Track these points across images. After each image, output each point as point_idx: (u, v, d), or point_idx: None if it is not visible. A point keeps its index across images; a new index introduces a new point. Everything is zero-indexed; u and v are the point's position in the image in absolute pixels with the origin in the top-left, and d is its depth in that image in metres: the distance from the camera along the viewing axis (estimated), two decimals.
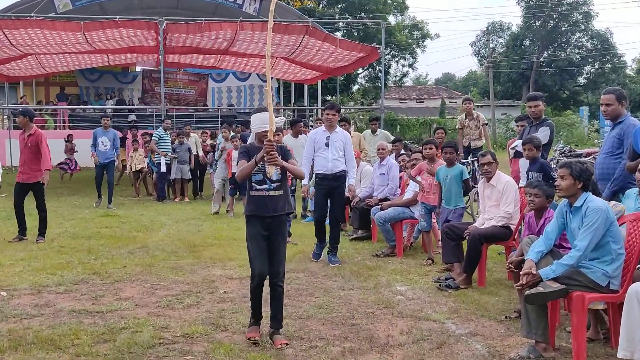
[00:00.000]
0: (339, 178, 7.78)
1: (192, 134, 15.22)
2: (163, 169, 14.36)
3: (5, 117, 24.70)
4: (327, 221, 7.92)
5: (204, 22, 17.52)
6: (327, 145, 7.72)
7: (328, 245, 7.80)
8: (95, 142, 13.14)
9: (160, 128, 14.80)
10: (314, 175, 8.34)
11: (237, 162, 4.93)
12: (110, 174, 13.25)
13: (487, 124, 12.33)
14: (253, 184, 4.83)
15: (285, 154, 4.93)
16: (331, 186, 7.77)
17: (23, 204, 9.09)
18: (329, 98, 36.63)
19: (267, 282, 4.88)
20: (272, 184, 4.82)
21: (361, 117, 32.93)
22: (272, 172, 4.76)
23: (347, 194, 8.08)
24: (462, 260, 6.75)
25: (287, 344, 4.66)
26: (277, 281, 4.84)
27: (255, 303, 4.89)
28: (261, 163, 4.72)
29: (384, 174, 9.14)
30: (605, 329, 4.94)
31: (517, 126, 9.16)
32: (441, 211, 7.51)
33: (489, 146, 11.95)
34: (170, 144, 14.52)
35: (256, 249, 4.82)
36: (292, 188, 9.58)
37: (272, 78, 27.01)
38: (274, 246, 4.86)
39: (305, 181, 7.87)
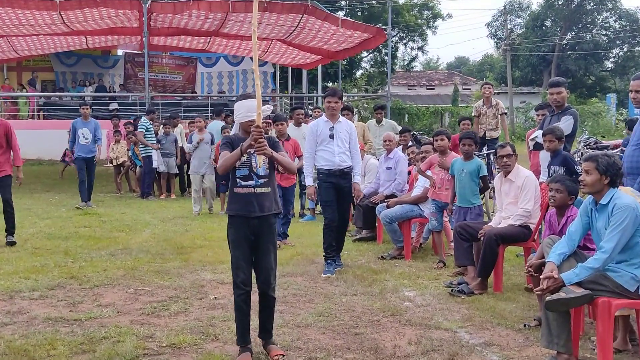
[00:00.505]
0: (347, 175, 7.52)
1: (178, 124, 15.23)
2: (155, 164, 14.34)
3: None
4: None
5: (192, 0, 17.48)
6: (331, 137, 7.45)
7: (327, 250, 7.54)
8: (74, 135, 12.82)
9: (145, 117, 14.71)
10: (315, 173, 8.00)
11: (220, 154, 4.72)
12: (91, 170, 12.97)
13: (506, 113, 12.32)
14: (237, 180, 4.62)
15: (274, 145, 4.70)
16: (338, 184, 7.48)
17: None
18: (330, 84, 36.62)
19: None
20: (259, 180, 4.62)
21: (365, 105, 32.95)
22: (261, 162, 4.57)
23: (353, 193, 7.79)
24: (476, 263, 6.75)
25: (283, 355, 4.59)
26: (269, 291, 4.70)
27: (242, 321, 4.68)
28: (247, 154, 4.55)
29: (390, 168, 9.14)
30: (636, 339, 4.96)
31: (537, 115, 9.14)
32: (454, 209, 7.50)
33: (506, 137, 11.96)
34: (154, 135, 14.49)
35: (240, 255, 4.64)
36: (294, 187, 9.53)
37: (267, 63, 27.13)
38: (262, 252, 4.68)
39: (309, 181, 7.66)
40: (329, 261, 7.41)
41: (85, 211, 11.77)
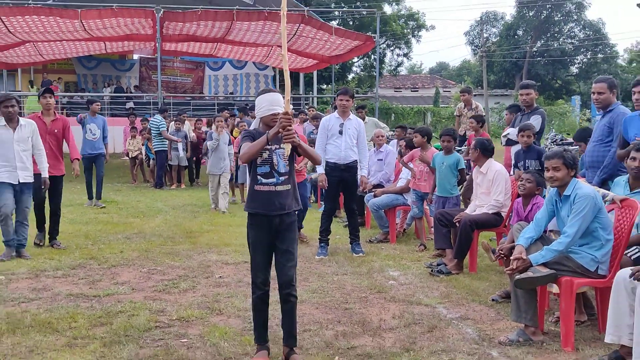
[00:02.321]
0: (352, 168, 7.35)
1: (185, 121, 15.20)
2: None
3: None
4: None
5: (200, 10, 17.44)
6: (340, 132, 7.29)
7: (350, 235, 7.51)
8: (84, 128, 11.44)
9: (159, 115, 14.70)
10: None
11: (240, 147, 4.11)
12: (99, 168, 11.54)
13: (485, 115, 12.28)
14: (258, 177, 4.06)
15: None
16: (343, 177, 7.33)
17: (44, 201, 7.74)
18: (324, 87, 36.52)
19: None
20: (280, 177, 4.06)
21: (356, 105, 32.82)
22: (288, 151, 4.01)
23: (359, 187, 7.64)
24: (453, 246, 6.76)
25: None
26: (291, 291, 4.13)
27: (260, 320, 4.19)
28: (269, 151, 4.03)
29: (381, 160, 9.17)
30: (594, 313, 4.97)
31: (506, 114, 9.17)
32: (434, 199, 7.52)
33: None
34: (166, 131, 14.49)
35: (259, 256, 4.12)
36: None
37: (267, 67, 27.01)
38: (283, 252, 4.11)
39: (320, 169, 7.31)
40: (322, 244, 7.41)
41: (103, 199, 11.69)
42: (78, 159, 8.40)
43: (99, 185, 11.51)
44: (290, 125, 3.85)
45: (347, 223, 9.25)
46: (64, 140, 8.03)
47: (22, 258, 7.00)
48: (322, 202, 11.20)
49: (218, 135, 10.88)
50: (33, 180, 7.10)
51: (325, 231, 7.44)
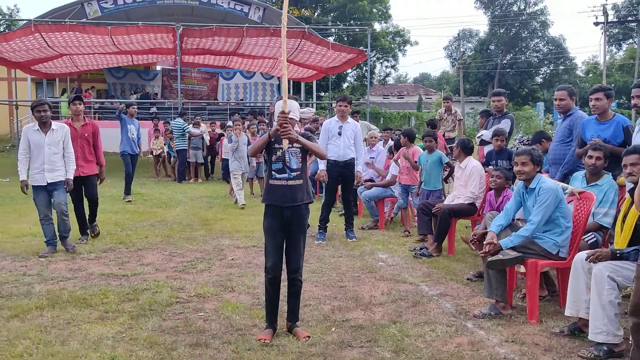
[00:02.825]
0: (349, 165, 7.35)
1: (201, 124, 15.18)
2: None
3: None
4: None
5: (215, 27, 17.37)
6: (339, 134, 7.30)
7: (345, 223, 7.54)
8: (125, 129, 10.98)
9: (180, 119, 14.71)
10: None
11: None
12: (134, 166, 11.19)
13: (462, 119, 12.24)
14: (273, 173, 4.02)
15: (309, 138, 4.14)
16: (342, 173, 7.36)
17: (82, 200, 7.34)
18: (322, 94, 36.43)
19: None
20: (292, 173, 3.99)
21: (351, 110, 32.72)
22: (286, 145, 3.92)
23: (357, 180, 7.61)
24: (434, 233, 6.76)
25: (309, 337, 4.00)
26: (297, 276, 4.11)
27: (271, 303, 4.09)
28: (281, 149, 3.98)
29: (373, 158, 9.17)
30: (556, 291, 4.99)
31: (479, 118, 9.17)
32: (420, 192, 7.51)
33: (462, 136, 11.90)
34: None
35: (271, 242, 4.02)
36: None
37: (272, 77, 26.93)
38: (292, 240, 4.05)
39: (322, 166, 7.36)
40: (321, 231, 7.40)
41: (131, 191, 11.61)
42: (103, 165, 7.44)
43: (128, 180, 11.12)
44: (286, 124, 3.82)
45: (342, 212, 9.27)
46: (94, 145, 7.32)
47: (67, 248, 6.60)
48: (321, 195, 11.18)
49: (237, 137, 10.42)
50: (63, 179, 6.54)
51: (324, 220, 7.44)
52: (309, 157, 4.50)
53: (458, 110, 11.95)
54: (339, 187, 7.79)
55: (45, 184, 6.39)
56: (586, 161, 4.87)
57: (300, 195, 4.03)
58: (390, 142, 9.59)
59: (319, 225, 7.45)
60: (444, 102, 11.95)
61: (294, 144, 3.98)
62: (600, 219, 4.71)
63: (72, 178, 6.62)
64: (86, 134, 7.24)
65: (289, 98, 4.10)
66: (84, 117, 7.29)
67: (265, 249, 4.07)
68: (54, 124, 6.51)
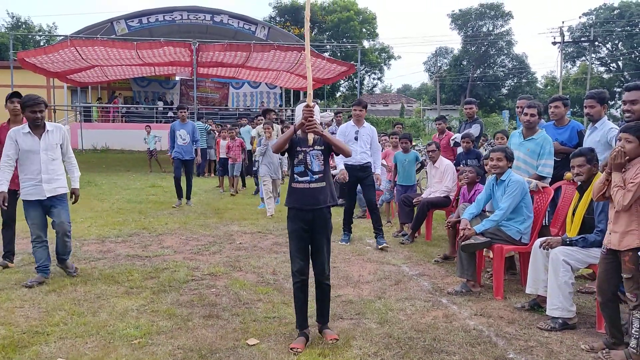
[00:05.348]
0: (366, 169, 6.39)
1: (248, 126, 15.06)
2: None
3: (78, 112, 24.43)
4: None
5: (226, 43, 17.38)
6: (356, 139, 6.35)
7: (374, 230, 6.38)
8: (173, 136, 9.16)
9: (200, 122, 14.68)
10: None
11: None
12: (189, 171, 9.28)
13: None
14: (295, 176, 3.46)
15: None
16: (358, 176, 6.38)
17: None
18: (319, 102, 36.30)
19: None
20: (314, 176, 3.43)
21: (341, 115, 32.63)
22: (311, 139, 3.41)
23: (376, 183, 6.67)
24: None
25: (337, 339, 3.46)
26: (323, 279, 3.52)
27: (300, 307, 3.49)
28: (304, 153, 3.45)
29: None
30: (517, 272, 4.99)
31: (437, 124, 8.19)
32: (397, 187, 7.49)
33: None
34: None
35: (296, 245, 3.45)
36: None
37: (275, 86, 26.83)
38: (317, 244, 3.47)
39: (340, 166, 6.27)
40: (346, 232, 6.67)
41: (152, 183, 11.51)
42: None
43: (188, 186, 9.35)
44: (311, 117, 3.34)
45: (358, 216, 8.28)
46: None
47: (68, 271, 4.85)
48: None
49: (266, 140, 8.30)
50: (67, 191, 4.75)
51: (348, 223, 6.65)
52: (331, 160, 3.86)
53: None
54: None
55: (44, 198, 4.59)
56: (522, 118, 4.95)
57: (322, 198, 3.45)
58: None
59: (343, 228, 6.68)
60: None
61: (316, 147, 3.45)
62: (540, 170, 4.75)
63: (78, 187, 4.87)
64: None
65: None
66: (22, 118, 4.79)
67: (290, 252, 3.50)
68: (48, 125, 4.66)
